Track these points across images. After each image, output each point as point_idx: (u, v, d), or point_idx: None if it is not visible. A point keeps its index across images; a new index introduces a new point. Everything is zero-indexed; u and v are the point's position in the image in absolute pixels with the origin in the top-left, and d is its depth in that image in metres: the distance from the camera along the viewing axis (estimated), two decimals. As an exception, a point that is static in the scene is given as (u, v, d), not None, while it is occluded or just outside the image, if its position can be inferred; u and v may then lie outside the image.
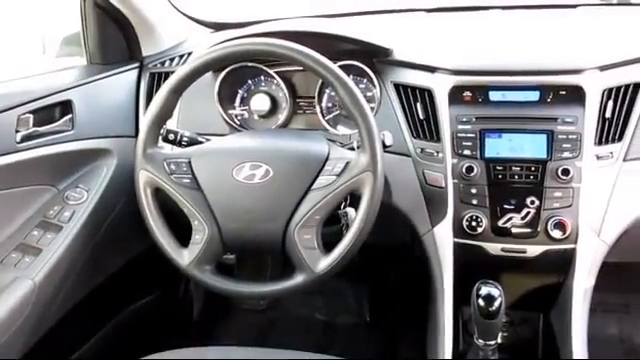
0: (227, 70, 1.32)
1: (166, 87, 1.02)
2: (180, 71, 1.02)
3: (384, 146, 1.05)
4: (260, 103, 1.35)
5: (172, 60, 1.45)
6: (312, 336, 1.87)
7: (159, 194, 1.04)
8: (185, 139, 1.14)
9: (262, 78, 1.37)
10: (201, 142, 1.14)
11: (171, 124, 1.34)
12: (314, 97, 1.32)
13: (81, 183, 1.28)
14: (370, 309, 1.89)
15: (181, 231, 1.05)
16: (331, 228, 1.10)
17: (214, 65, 1.04)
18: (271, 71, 1.33)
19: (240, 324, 1.94)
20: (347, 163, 0.99)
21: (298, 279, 1.00)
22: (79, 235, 1.22)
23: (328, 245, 1.01)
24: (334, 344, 1.84)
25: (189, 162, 1.04)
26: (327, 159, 1.01)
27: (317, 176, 1.00)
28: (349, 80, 0.98)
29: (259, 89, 1.37)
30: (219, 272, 1.05)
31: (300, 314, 1.94)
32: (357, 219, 0.98)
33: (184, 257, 1.02)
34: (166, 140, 1.13)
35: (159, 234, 1.03)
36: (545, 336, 1.27)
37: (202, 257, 1.02)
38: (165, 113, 1.04)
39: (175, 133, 1.13)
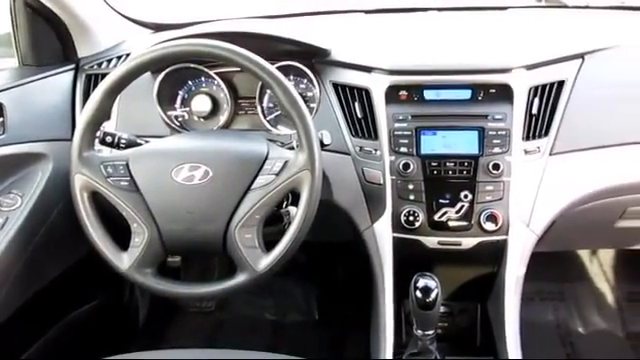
0: (166, 71, 1.31)
1: (101, 89, 1.00)
2: (115, 73, 1.00)
3: (322, 145, 1.07)
4: (201, 104, 1.34)
5: (109, 61, 1.43)
6: (261, 336, 1.87)
7: (97, 198, 1.03)
8: (123, 141, 1.12)
9: (203, 79, 1.36)
10: (140, 144, 1.13)
11: (110, 126, 1.32)
12: (255, 98, 1.33)
13: (15, 188, 1.24)
14: (318, 307, 1.92)
15: (121, 235, 1.04)
16: (274, 227, 1.11)
17: (150, 66, 1.03)
18: (211, 72, 1.33)
19: (188, 327, 1.93)
20: (286, 162, 1.01)
21: (240, 278, 1.01)
22: (13, 242, 1.18)
23: (272, 244, 1.01)
24: (283, 343, 1.85)
25: (127, 164, 1.03)
26: (266, 159, 1.02)
27: (256, 176, 1.01)
28: (286, 80, 0.99)
29: (200, 90, 1.37)
30: (161, 275, 1.04)
31: (249, 314, 1.94)
32: (296, 217, 0.99)
33: (123, 261, 1.01)
34: (103, 143, 1.12)
35: (97, 238, 1.02)
36: (483, 325, 1.32)
37: (142, 260, 1.01)
38: (101, 115, 1.03)
39: (113, 135, 1.12)
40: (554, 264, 1.93)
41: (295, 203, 1.05)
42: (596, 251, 1.95)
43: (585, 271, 1.96)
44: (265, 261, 0.99)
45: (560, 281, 1.95)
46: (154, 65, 1.04)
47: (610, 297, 1.91)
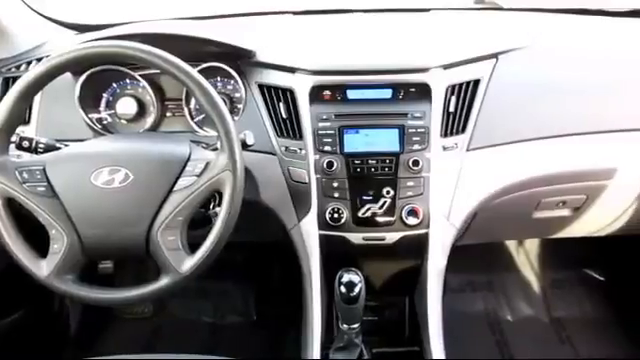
0: (88, 73, 1.28)
1: (13, 92, 0.97)
2: (28, 75, 0.98)
3: (246, 145, 1.09)
4: (126, 107, 1.32)
5: (29, 63, 1.38)
6: (199, 338, 1.86)
7: (13, 204, 1.00)
8: (41, 146, 1.09)
9: (127, 81, 1.34)
10: (59, 148, 1.10)
11: (30, 131, 1.29)
12: (182, 99, 1.32)
13: None
14: (256, 308, 1.92)
15: (41, 242, 1.01)
16: (203, 229, 1.11)
17: (65, 69, 1.00)
18: (136, 74, 1.31)
19: (124, 334, 1.89)
20: (207, 163, 1.01)
21: (164, 281, 1.00)
22: None
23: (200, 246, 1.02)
24: (221, 345, 1.85)
25: (44, 169, 1.01)
26: (188, 160, 1.02)
27: (178, 178, 1.01)
28: (205, 82, 0.99)
29: (125, 92, 1.34)
30: (85, 281, 1.02)
31: (187, 318, 1.93)
32: (219, 218, 1.00)
33: (42, 268, 0.99)
34: (20, 148, 1.08)
35: (13, 246, 0.99)
36: (411, 317, 1.37)
37: (62, 267, 0.99)
38: (14, 120, 1.00)
39: (30, 140, 1.09)
40: (483, 256, 2.02)
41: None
42: (522, 242, 2.05)
43: (512, 261, 2.05)
44: (189, 263, 0.99)
45: (489, 272, 2.04)
46: (69, 67, 1.02)
47: (536, 285, 2.01)
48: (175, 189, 1.00)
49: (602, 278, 1.99)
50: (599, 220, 1.47)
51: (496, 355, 1.76)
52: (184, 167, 1.01)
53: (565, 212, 1.42)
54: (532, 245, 2.05)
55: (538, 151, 1.27)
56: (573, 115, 1.29)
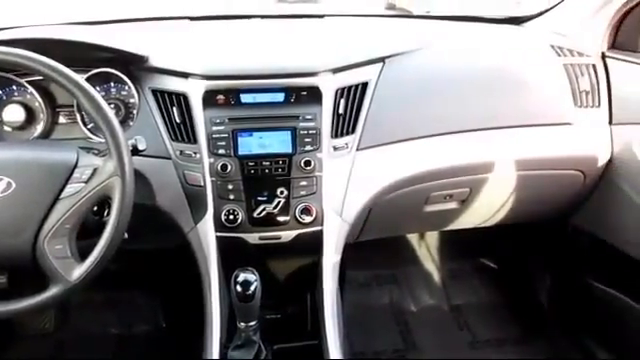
0: (-31, 80, 1.23)
1: None
2: None
3: (137, 151, 1.09)
4: (13, 114, 1.27)
5: None
6: (106, 351, 1.81)
7: None
8: None
9: (14, 88, 1.30)
10: None
11: None
12: (73, 106, 1.29)
13: None
14: (164, 315, 1.90)
15: None
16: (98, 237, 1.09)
17: None
18: (22, 80, 1.27)
19: (24, 352, 1.80)
20: (95, 169, 1.00)
21: (53, 290, 0.98)
22: None
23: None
24: (130, 355, 1.81)
25: None
26: (75, 167, 1.01)
27: (65, 185, 0.99)
28: (90, 88, 0.99)
29: (12, 99, 1.30)
30: None
31: (92, 331, 1.87)
32: (109, 224, 0.99)
33: None
34: None
35: None
36: (312, 312, 1.41)
37: None
38: None
39: None
40: (388, 251, 2.11)
41: None
42: (423, 236, 2.16)
43: (415, 255, 2.16)
44: (78, 271, 0.98)
45: (393, 266, 2.13)
46: None
47: (436, 276, 2.12)
48: (61, 197, 0.98)
49: (495, 266, 2.14)
50: (484, 211, 1.58)
51: (400, 344, 1.85)
52: (71, 174, 1.00)
53: (453, 205, 1.52)
54: (432, 238, 2.17)
55: (424, 148, 1.35)
56: (455, 114, 1.39)
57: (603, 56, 1.51)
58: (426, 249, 2.17)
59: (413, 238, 2.18)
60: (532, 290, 1.99)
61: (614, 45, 1.52)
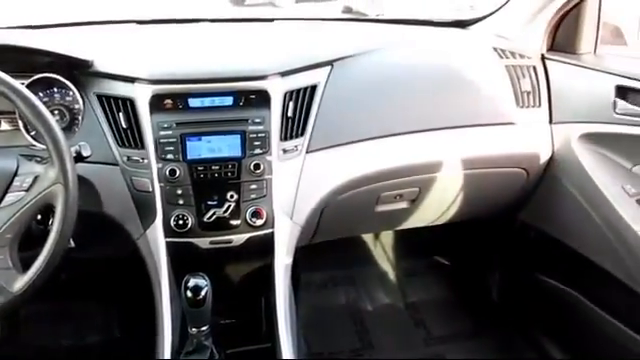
0: None
1: None
2: None
3: (81, 157, 1.06)
4: None
5: None
6: None
7: None
8: None
9: None
10: None
11: None
12: (15, 112, 1.26)
13: None
14: (119, 324, 1.87)
15: None
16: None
17: None
18: None
19: (-29, 369, 1.74)
20: (36, 177, 0.98)
21: None
22: None
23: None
24: (83, 367, 1.77)
25: None
26: (15, 175, 0.99)
27: (5, 194, 0.97)
28: (28, 94, 0.96)
29: None
30: None
31: (43, 343, 1.82)
32: (51, 232, 0.97)
33: None
34: None
35: None
36: (267, 315, 1.41)
37: None
38: None
39: None
40: (344, 252, 2.13)
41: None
42: (378, 235, 2.19)
43: (371, 255, 2.19)
44: (20, 282, 0.95)
45: (350, 267, 2.16)
46: None
47: (392, 275, 2.16)
48: (1, 206, 0.96)
49: (448, 263, 2.19)
50: (434, 210, 1.62)
51: (357, 343, 1.87)
52: (11, 182, 0.98)
53: (403, 205, 1.55)
54: (387, 238, 2.20)
55: (373, 149, 1.38)
56: (402, 116, 1.42)
57: (543, 58, 1.57)
58: (381, 248, 2.20)
59: (368, 238, 2.20)
60: (484, 286, 2.04)
61: (553, 47, 1.58)
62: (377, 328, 1.95)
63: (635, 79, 1.31)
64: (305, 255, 1.76)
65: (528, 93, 1.52)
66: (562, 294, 1.68)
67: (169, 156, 1.21)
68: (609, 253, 1.39)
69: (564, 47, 1.55)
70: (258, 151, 1.25)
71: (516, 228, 1.78)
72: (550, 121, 1.53)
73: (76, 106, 1.28)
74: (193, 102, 1.26)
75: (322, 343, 1.85)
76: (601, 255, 1.43)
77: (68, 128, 1.25)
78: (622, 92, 1.34)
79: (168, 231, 1.20)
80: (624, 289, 1.36)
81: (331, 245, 1.71)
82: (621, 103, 1.34)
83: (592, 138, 1.43)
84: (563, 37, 1.55)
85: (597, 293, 1.55)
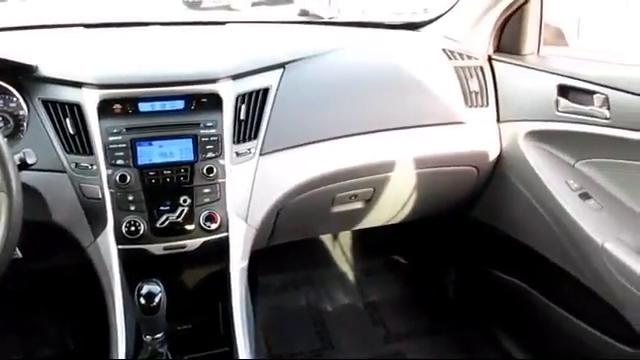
0: None
1: None
2: None
3: (26, 165, 1.04)
4: None
5: None
6: None
7: None
8: None
9: None
10: None
11: None
12: None
13: None
14: (73, 336, 1.81)
15: None
16: None
17: None
18: None
19: None
20: None
21: None
22: None
23: None
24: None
25: None
26: None
27: None
28: None
29: None
30: None
31: None
32: None
33: None
34: None
35: None
36: (224, 320, 1.40)
37: None
38: None
39: None
40: (303, 254, 2.13)
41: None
42: (337, 236, 2.21)
43: (330, 256, 2.20)
44: None
45: (310, 268, 2.16)
46: None
47: (351, 275, 2.17)
48: None
49: (405, 261, 2.22)
50: (389, 209, 1.64)
51: (317, 344, 1.88)
52: None
53: (358, 205, 1.56)
54: (345, 238, 2.22)
55: (326, 151, 1.39)
56: (355, 117, 1.44)
57: (489, 59, 1.61)
58: (340, 249, 2.22)
59: (327, 239, 2.22)
60: (441, 283, 2.08)
61: (499, 48, 1.63)
62: (337, 328, 1.96)
63: (575, 78, 1.37)
64: (264, 258, 1.76)
65: (476, 93, 1.56)
66: (516, 289, 1.73)
67: (119, 162, 1.19)
68: (557, 247, 1.44)
69: (509, 48, 1.61)
70: (211, 155, 1.24)
71: (469, 225, 1.82)
72: (498, 120, 1.58)
73: (20, 112, 1.24)
74: (143, 106, 1.24)
75: (282, 345, 1.85)
76: (550, 249, 1.49)
77: (12, 135, 1.22)
78: (564, 91, 1.40)
79: (120, 238, 1.18)
80: (573, 282, 1.41)
81: (290, 247, 1.71)
82: (563, 101, 1.39)
83: (537, 136, 1.48)
84: (508, 39, 1.60)
85: (549, 287, 1.61)
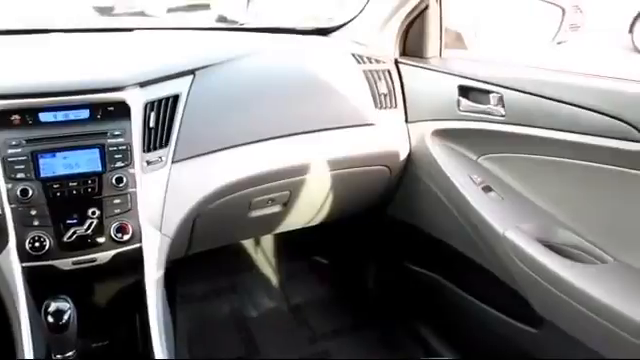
0: None
1: None
2: None
3: None
4: None
5: None
6: None
7: None
8: None
9: None
10: None
11: None
12: None
13: None
14: None
15: None
16: None
17: None
18: None
19: None
20: None
21: None
22: None
23: None
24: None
25: None
26: None
27: None
28: None
29: None
30: None
31: None
32: None
33: None
34: None
35: None
36: (142, 333, 1.37)
37: None
38: None
39: None
40: (225, 261, 2.12)
41: None
42: (258, 241, 2.21)
43: (252, 260, 2.20)
44: None
45: (232, 275, 2.15)
46: None
47: (274, 278, 2.18)
48: None
49: (327, 262, 2.26)
50: (306, 211, 1.67)
51: (242, 352, 1.87)
52: None
53: (276, 208, 1.58)
54: (267, 242, 2.23)
55: (241, 156, 1.39)
56: (268, 121, 1.45)
57: (396, 62, 1.68)
58: (262, 254, 2.23)
59: (248, 244, 2.21)
60: (361, 280, 2.14)
61: (405, 52, 1.71)
62: (262, 333, 1.96)
63: (473, 79, 1.46)
64: (184, 267, 1.73)
65: (385, 95, 1.62)
66: (433, 282, 1.80)
67: (19, 175, 1.14)
68: (464, 239, 1.52)
69: (414, 52, 1.68)
70: (120, 164, 1.21)
71: (386, 223, 1.89)
72: (406, 120, 1.65)
73: None
74: (45, 117, 1.19)
75: (206, 354, 1.83)
76: (459, 241, 1.57)
77: None
78: (464, 91, 1.48)
79: (23, 255, 1.13)
80: (481, 271, 1.49)
81: (211, 255, 1.70)
82: (463, 101, 1.48)
83: (442, 134, 1.56)
84: (412, 43, 1.68)
85: (461, 278, 1.69)
